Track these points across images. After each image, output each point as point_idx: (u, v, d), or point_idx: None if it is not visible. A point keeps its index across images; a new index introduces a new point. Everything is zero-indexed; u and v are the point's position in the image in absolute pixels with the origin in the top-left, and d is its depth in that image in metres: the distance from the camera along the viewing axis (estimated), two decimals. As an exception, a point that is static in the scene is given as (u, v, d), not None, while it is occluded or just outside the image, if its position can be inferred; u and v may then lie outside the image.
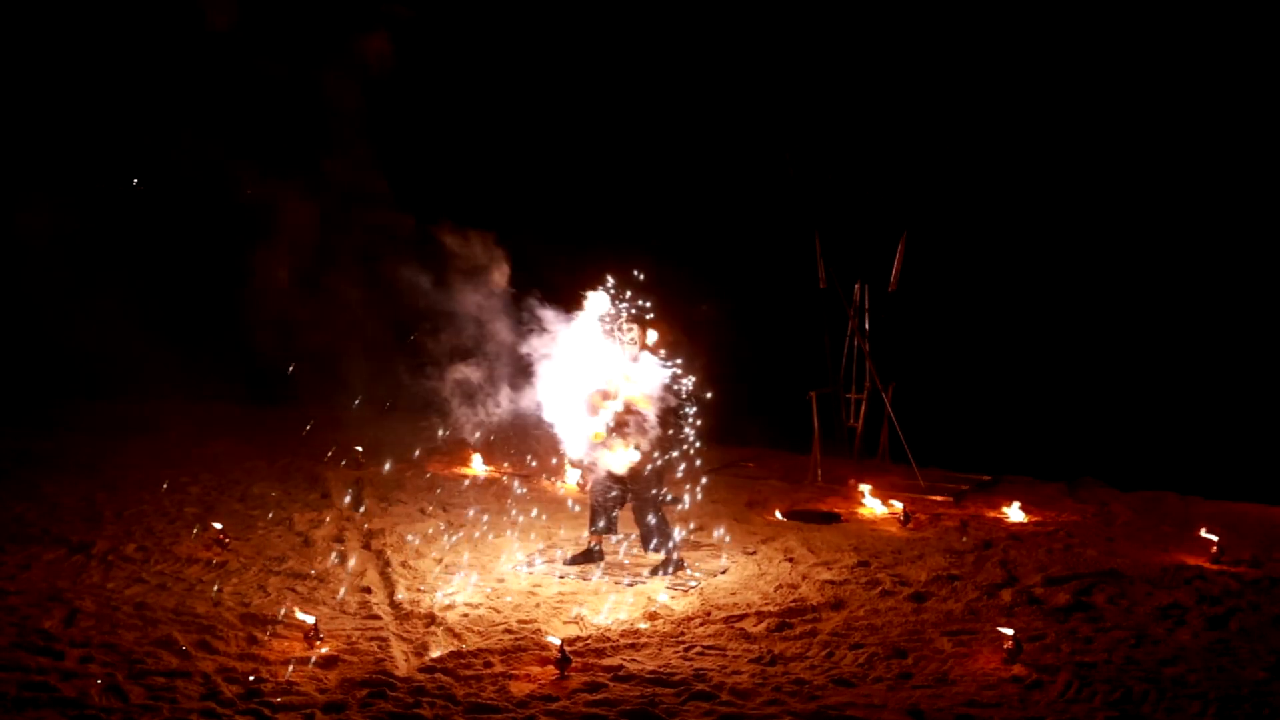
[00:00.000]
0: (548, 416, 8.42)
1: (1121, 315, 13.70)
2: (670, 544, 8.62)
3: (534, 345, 8.40)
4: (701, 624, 7.30)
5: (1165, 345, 13.36)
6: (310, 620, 6.84)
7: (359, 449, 11.87)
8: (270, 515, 9.91)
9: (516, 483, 11.32)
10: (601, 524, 8.73)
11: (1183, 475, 11.33)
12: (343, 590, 7.85)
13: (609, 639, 6.95)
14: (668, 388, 8.43)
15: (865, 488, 10.93)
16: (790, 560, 8.85)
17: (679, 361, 8.49)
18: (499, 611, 7.46)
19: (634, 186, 15.71)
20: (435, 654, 6.64)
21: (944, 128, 14.53)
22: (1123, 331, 13.65)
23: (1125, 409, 13.14)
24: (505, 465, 11.96)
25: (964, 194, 14.29)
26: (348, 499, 10.48)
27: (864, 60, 14.85)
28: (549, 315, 8.43)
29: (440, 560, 8.72)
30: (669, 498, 8.66)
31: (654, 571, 8.50)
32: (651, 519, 8.58)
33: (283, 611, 7.32)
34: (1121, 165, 13.84)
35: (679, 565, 8.59)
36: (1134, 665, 6.59)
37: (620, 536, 9.03)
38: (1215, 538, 9.04)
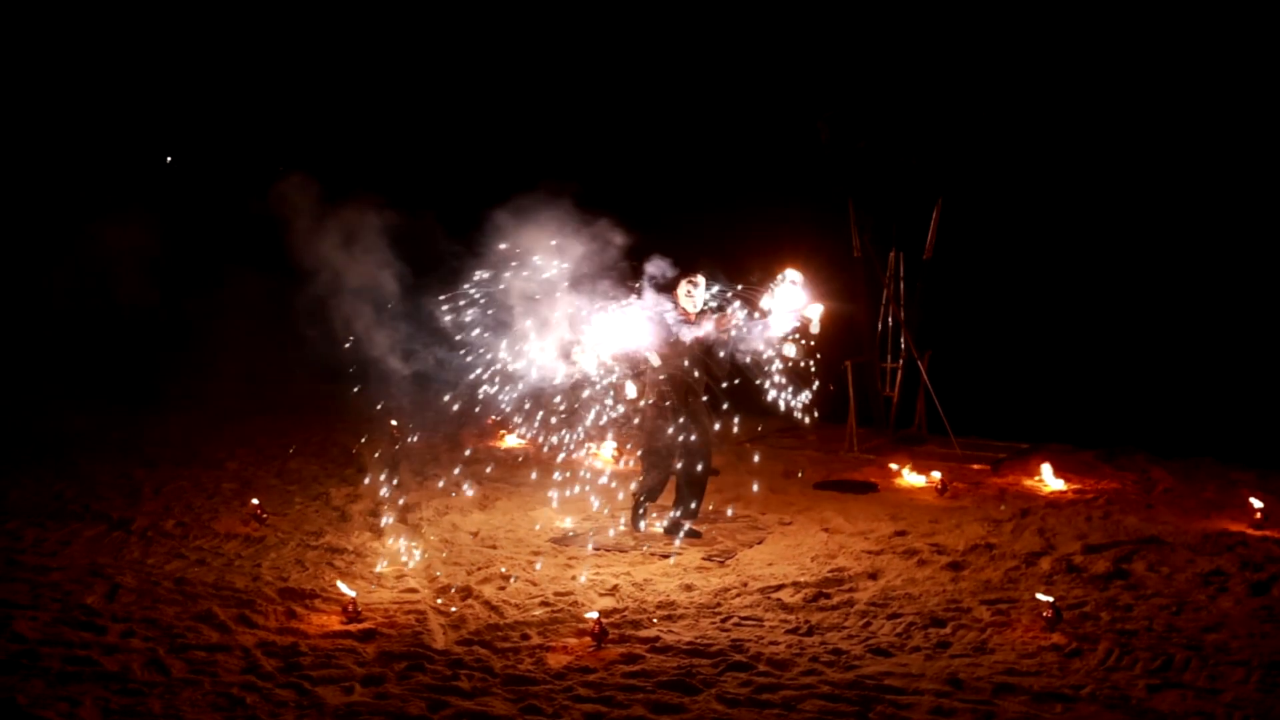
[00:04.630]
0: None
1: (1160, 281, 13.50)
2: (689, 510, 8.76)
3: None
4: (738, 595, 7.28)
5: (1205, 311, 13.17)
6: (349, 594, 6.87)
7: (393, 423, 11.90)
8: (307, 490, 9.97)
9: (551, 455, 11.32)
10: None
11: (1223, 441, 11.19)
12: (380, 564, 7.90)
13: (646, 611, 6.95)
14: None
15: (900, 462, 10.87)
16: (827, 530, 8.83)
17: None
18: (535, 584, 7.47)
19: (667, 155, 15.63)
20: (472, 627, 6.66)
21: (979, 93, 14.34)
22: (1161, 298, 13.46)
23: (1164, 375, 12.98)
24: (540, 438, 11.95)
25: (999, 160, 14.11)
26: (383, 473, 10.53)
27: (897, 26, 14.68)
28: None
29: (476, 534, 8.74)
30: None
31: (667, 530, 8.68)
32: (686, 482, 8.71)
33: (321, 586, 7.36)
34: (1158, 131, 13.61)
35: (677, 529, 8.68)
36: (1175, 633, 6.53)
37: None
38: (1260, 503, 8.92)
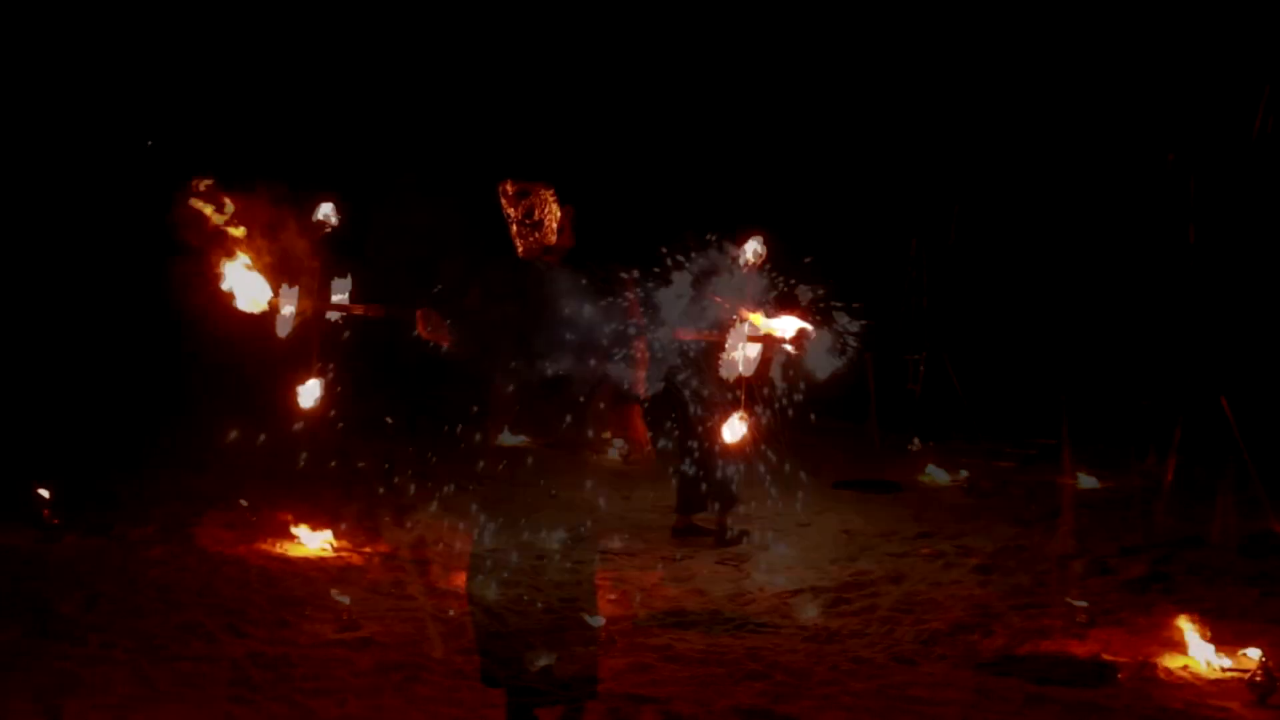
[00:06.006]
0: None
1: (1193, 275, 13.33)
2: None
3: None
4: (753, 600, 7.11)
5: (1237, 305, 12.99)
6: (344, 601, 6.71)
7: (389, 420, 11.69)
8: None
9: (556, 454, 11.10)
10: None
11: (1267, 438, 10.90)
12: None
13: (655, 617, 6.75)
14: None
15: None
16: (847, 532, 8.71)
17: None
18: (539, 590, 7.19)
19: (686, 154, 15.66)
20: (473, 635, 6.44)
21: (1002, 88, 14.33)
22: (1194, 293, 13.29)
23: (1203, 371, 12.78)
24: (545, 437, 11.76)
25: (1023, 159, 14.05)
26: (378, 474, 10.30)
27: (913, 24, 14.75)
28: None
29: (476, 537, 8.53)
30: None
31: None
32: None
33: (314, 593, 7.14)
34: (1171, 132, 13.51)
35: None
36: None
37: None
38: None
